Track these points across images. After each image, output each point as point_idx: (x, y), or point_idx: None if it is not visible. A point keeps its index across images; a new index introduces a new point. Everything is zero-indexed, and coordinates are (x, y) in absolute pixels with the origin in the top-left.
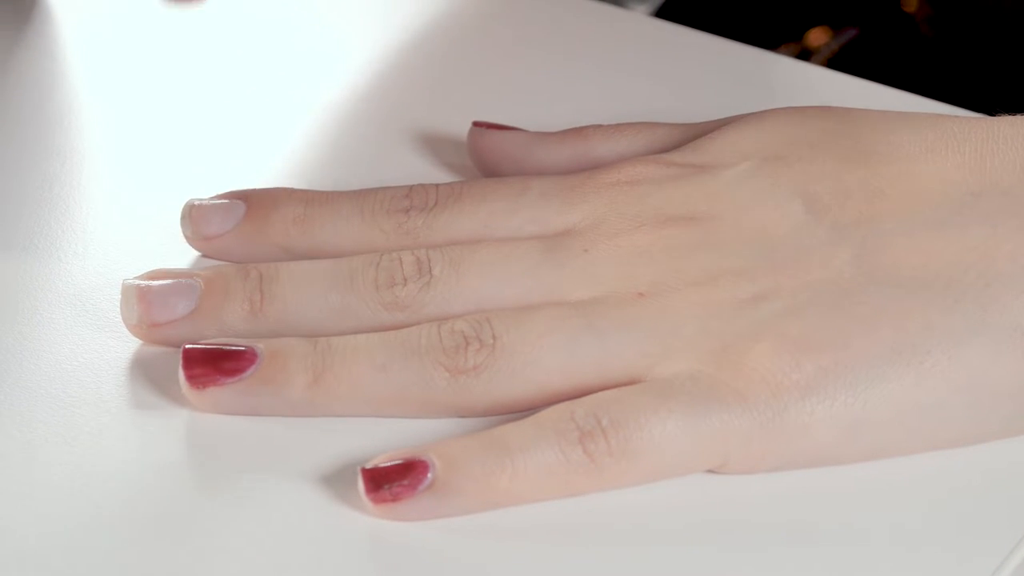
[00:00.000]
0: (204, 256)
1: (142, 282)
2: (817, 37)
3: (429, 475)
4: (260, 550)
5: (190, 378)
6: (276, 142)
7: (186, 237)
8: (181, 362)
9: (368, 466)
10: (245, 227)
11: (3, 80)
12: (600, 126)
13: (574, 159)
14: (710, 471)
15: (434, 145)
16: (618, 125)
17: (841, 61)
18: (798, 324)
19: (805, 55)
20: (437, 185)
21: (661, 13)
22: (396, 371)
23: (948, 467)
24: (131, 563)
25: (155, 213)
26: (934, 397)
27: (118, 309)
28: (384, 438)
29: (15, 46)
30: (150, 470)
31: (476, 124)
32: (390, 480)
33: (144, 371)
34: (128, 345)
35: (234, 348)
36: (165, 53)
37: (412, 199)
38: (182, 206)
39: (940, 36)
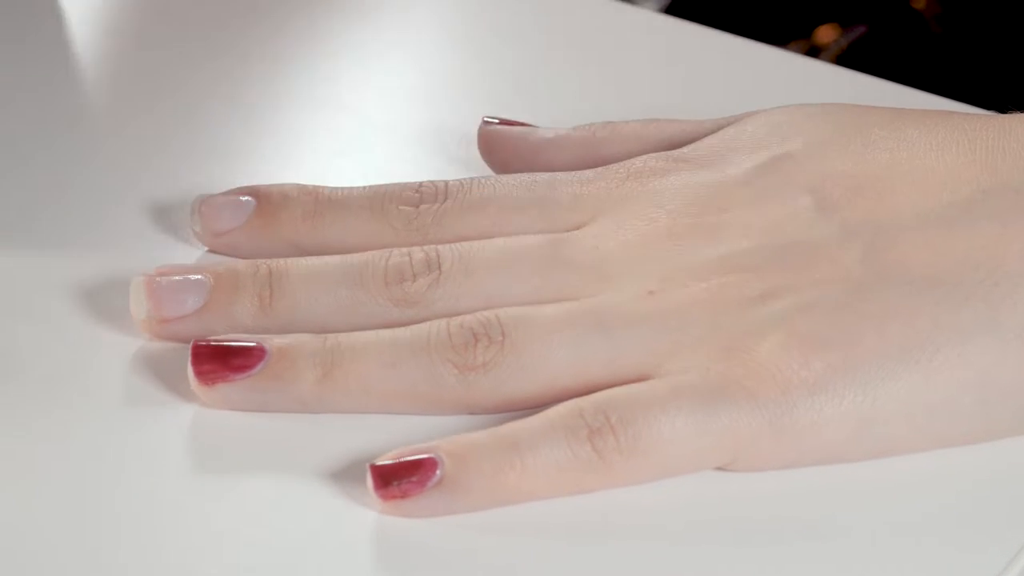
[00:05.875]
0: (213, 252)
1: (152, 277)
2: (826, 34)
3: (438, 472)
4: (268, 546)
5: (199, 374)
6: (286, 138)
7: (195, 233)
8: (190, 358)
9: (377, 462)
10: (255, 223)
11: (10, 75)
12: (610, 123)
13: (584, 155)
14: (719, 468)
15: (444, 141)
16: (628, 122)
17: (850, 58)
18: (807, 322)
19: (814, 52)
20: (447, 181)
21: (671, 10)
22: (405, 368)
23: (957, 465)
24: (137, 559)
25: (164, 208)
26: (943, 395)
27: (127, 305)
28: (393, 435)
29: (23, 41)
30: (158, 466)
31: (486, 120)
32: (399, 477)
33: (153, 367)
34: (137, 341)
35: (243, 344)
36: (175, 48)
37: (422, 195)
38: (192, 201)
39: (949, 33)
